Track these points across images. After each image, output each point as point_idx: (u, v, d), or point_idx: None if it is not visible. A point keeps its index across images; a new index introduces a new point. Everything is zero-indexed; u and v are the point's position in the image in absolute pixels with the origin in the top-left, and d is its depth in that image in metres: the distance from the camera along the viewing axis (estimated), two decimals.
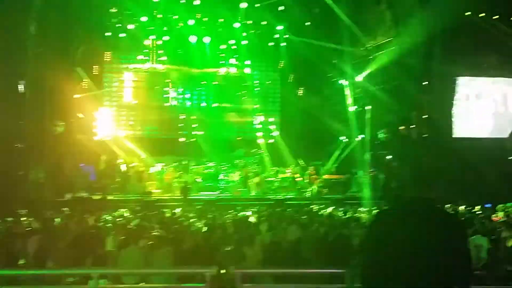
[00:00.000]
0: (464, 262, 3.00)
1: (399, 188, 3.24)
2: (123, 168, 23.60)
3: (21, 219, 14.06)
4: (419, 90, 23.35)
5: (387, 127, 23.78)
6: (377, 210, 14.93)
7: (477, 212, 15.86)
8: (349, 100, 25.73)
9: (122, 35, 24.93)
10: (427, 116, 23.36)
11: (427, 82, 23.26)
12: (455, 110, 23.23)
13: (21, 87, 20.28)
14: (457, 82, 23.08)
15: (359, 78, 24.94)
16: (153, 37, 25.74)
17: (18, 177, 19.79)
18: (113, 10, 23.78)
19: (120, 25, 24.63)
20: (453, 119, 23.12)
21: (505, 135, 23.75)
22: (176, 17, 24.95)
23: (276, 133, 28.18)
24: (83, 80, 24.49)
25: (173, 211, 16.76)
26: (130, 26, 24.62)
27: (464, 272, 2.98)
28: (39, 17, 20.25)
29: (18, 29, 19.65)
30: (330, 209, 17.15)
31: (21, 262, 9.81)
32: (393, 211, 3.31)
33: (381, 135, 23.90)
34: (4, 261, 8.88)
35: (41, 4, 19.86)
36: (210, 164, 25.23)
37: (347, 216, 15.64)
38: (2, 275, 5.62)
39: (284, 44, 26.69)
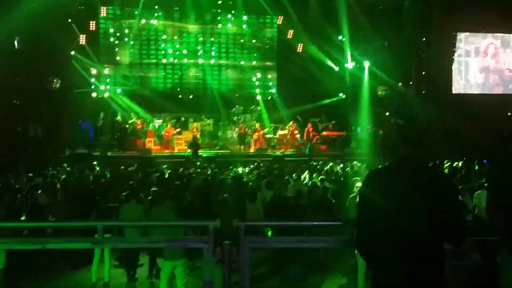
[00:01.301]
0: (454, 211, 3.08)
1: (395, 145, 3.27)
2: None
3: (22, 175, 14.12)
4: (418, 46, 23.16)
5: (386, 83, 23.64)
6: (372, 169, 15.00)
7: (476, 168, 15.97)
8: (348, 56, 25.48)
9: None
10: (426, 72, 23.24)
11: (425, 39, 23.04)
12: (455, 66, 23.09)
13: (16, 43, 20.01)
14: (457, 38, 22.83)
15: (356, 33, 24.61)
16: None
17: (17, 133, 19.77)
18: None
19: None
20: (452, 75, 23.01)
21: (499, 91, 23.76)
22: None
23: (274, 90, 28.06)
24: (79, 35, 24.07)
25: (175, 167, 16.80)
26: None
27: (456, 220, 3.07)
28: None
29: None
30: (329, 165, 17.23)
31: (22, 218, 9.90)
32: (384, 170, 3.38)
33: (380, 92, 23.79)
34: (5, 216, 8.93)
35: None
36: (209, 121, 25.17)
37: (346, 170, 15.76)
38: (5, 227, 5.65)
39: None
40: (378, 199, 3.07)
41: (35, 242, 4.36)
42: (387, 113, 24.06)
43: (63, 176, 14.22)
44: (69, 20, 23.06)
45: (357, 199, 4.51)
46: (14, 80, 20.21)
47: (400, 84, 23.55)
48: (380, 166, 3.62)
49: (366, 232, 3.16)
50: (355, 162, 18.17)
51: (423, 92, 23.39)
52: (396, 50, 23.16)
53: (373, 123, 24.41)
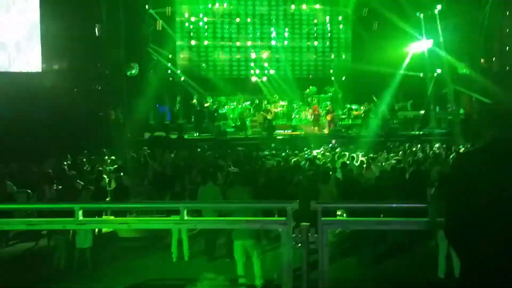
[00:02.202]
0: None
1: (482, 127, 3.03)
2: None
3: (105, 157, 14.73)
4: (501, 20, 21.97)
5: (467, 60, 22.61)
6: (462, 151, 14.47)
7: None
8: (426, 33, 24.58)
9: None
10: (510, 47, 22.05)
11: (508, 12, 21.80)
12: None
13: (97, 31, 20.79)
14: None
15: (437, 9, 23.65)
16: None
17: (99, 117, 20.61)
18: None
19: None
20: None
21: None
22: None
23: (348, 70, 27.55)
24: (156, 21, 24.70)
25: (250, 150, 16.97)
26: None
27: None
28: None
29: None
30: (406, 146, 16.80)
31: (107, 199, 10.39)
32: (475, 153, 3.13)
33: (461, 69, 22.79)
34: (93, 196, 9.38)
35: None
36: (282, 102, 25.15)
37: (425, 152, 15.30)
38: (92, 208, 5.93)
39: None
40: (473, 184, 2.88)
41: (121, 222, 4.55)
42: (469, 92, 23.05)
43: (143, 159, 14.73)
44: (146, 7, 23.66)
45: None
46: (95, 66, 21.04)
47: (482, 60, 22.45)
48: (469, 149, 3.37)
49: (459, 218, 2.93)
50: (437, 145, 17.53)
51: (507, 68, 22.19)
52: (478, 25, 22.08)
53: (453, 102, 23.49)
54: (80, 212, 4.24)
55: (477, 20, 22.35)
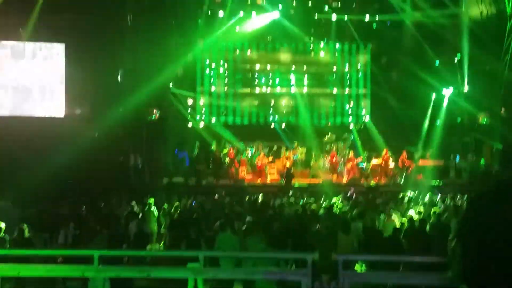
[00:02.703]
0: None
1: (501, 173, 2.99)
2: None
3: (123, 202, 14.77)
4: None
5: (487, 110, 22.53)
6: (472, 196, 14.24)
7: None
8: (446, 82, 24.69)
9: (213, 22, 25.39)
10: None
11: None
12: None
13: (119, 77, 21.23)
14: None
15: (456, 58, 23.83)
16: (244, 25, 25.92)
17: (119, 162, 20.78)
18: None
19: (211, 12, 25.06)
20: None
21: None
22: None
23: (367, 118, 27.62)
24: (177, 68, 25.20)
25: (267, 197, 16.89)
26: (221, 13, 24.95)
27: None
28: (137, 8, 21.02)
29: (115, 20, 20.53)
30: (426, 197, 16.57)
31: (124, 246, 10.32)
32: (489, 195, 3.05)
33: (481, 118, 22.68)
34: (108, 242, 9.34)
35: None
36: (301, 149, 25.15)
37: (445, 204, 15.07)
38: (110, 254, 5.89)
39: (375, 26, 25.96)
40: (487, 228, 2.82)
41: (140, 271, 4.51)
42: (490, 141, 22.87)
43: (163, 206, 14.72)
44: (168, 53, 24.18)
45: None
46: (117, 111, 21.39)
47: (503, 110, 22.33)
48: (481, 191, 3.26)
49: (475, 265, 2.90)
50: (458, 196, 17.26)
51: None
52: (498, 75, 22.11)
53: (474, 152, 23.28)
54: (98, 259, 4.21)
55: (497, 70, 22.38)
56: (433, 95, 25.33)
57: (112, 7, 19.52)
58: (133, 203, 14.32)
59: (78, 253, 4.76)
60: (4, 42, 19.56)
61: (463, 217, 3.09)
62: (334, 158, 23.72)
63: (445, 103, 24.97)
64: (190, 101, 26.02)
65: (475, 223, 2.85)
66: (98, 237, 9.01)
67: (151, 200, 14.91)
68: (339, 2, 25.35)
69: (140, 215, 12.72)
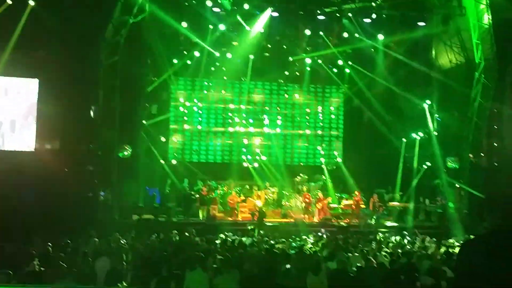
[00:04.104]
0: None
1: (471, 217, 3.10)
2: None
3: (91, 239, 14.49)
4: (489, 116, 22.63)
5: (456, 154, 23.04)
6: (465, 243, 14.40)
7: None
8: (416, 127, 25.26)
9: (188, 62, 25.64)
10: (498, 143, 22.52)
11: (496, 110, 22.49)
12: None
13: (92, 112, 21.15)
14: None
15: (426, 104, 24.45)
16: (218, 64, 26.21)
17: (88, 198, 20.49)
18: (181, 38, 24.41)
19: (186, 52, 25.31)
20: None
21: None
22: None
23: (339, 159, 27.95)
24: (151, 105, 25.25)
25: (238, 236, 16.81)
26: (196, 53, 25.23)
27: None
28: (112, 45, 21.15)
29: (90, 57, 20.57)
30: (396, 238, 16.70)
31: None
32: (480, 243, 3.11)
33: (450, 163, 23.16)
34: (75, 279, 9.14)
35: (112, 34, 20.73)
36: (273, 189, 25.20)
37: (415, 245, 15.20)
38: None
39: (348, 70, 26.54)
40: (478, 276, 2.87)
41: None
42: (457, 185, 23.30)
43: (129, 242, 14.50)
44: (142, 91, 24.20)
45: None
46: (88, 147, 21.23)
47: (471, 155, 22.87)
48: (472, 238, 3.31)
49: None
50: (427, 238, 17.46)
51: (495, 164, 22.58)
52: (467, 121, 22.72)
53: (443, 195, 23.68)
54: None
55: (465, 116, 22.99)
56: (404, 139, 25.82)
57: (87, 44, 19.57)
58: (102, 240, 14.06)
59: None
60: None
61: (456, 266, 3.13)
62: (307, 198, 23.79)
63: (416, 147, 25.46)
64: (163, 139, 25.99)
65: (470, 271, 2.89)
66: (65, 277, 8.81)
67: (120, 237, 14.71)
68: (313, 46, 25.81)
69: (108, 252, 12.49)
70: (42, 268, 10.22)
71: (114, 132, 21.69)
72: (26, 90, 19.82)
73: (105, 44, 21.18)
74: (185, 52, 25.33)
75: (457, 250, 13.30)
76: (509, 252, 2.86)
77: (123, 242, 14.28)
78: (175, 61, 25.24)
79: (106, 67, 21.29)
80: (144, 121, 24.52)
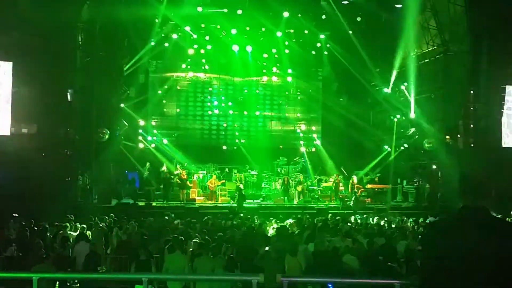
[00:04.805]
0: None
1: (446, 198, 3.15)
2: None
3: (70, 224, 14.39)
4: (465, 98, 22.88)
5: (432, 136, 23.31)
6: (431, 222, 14.66)
7: None
8: (393, 109, 25.43)
9: (166, 44, 25.38)
10: (474, 125, 22.81)
11: (472, 91, 22.74)
12: (504, 120, 22.53)
13: (69, 96, 20.86)
14: (506, 90, 22.39)
15: (403, 86, 24.57)
16: (196, 46, 26.01)
17: (66, 183, 20.31)
18: (157, 20, 24.12)
19: (164, 35, 25.05)
20: (502, 129, 22.43)
21: None
22: (219, 26, 25.31)
23: (318, 142, 28.09)
24: (129, 88, 24.97)
25: (218, 219, 16.83)
26: (174, 36, 25.00)
27: None
28: (87, 28, 20.82)
29: (66, 40, 20.25)
30: (374, 219, 16.89)
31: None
32: (447, 222, 3.17)
33: (426, 144, 23.44)
34: (55, 264, 9.10)
35: (88, 16, 20.40)
36: (253, 172, 25.26)
37: (392, 226, 15.40)
38: (51, 277, 5.74)
39: (326, 53, 26.56)
40: (445, 255, 2.91)
41: None
42: (434, 166, 23.62)
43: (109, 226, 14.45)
44: (119, 74, 23.89)
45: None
46: (66, 131, 20.97)
47: (447, 137, 23.15)
48: (439, 218, 3.36)
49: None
50: (404, 218, 17.73)
51: (472, 145, 22.92)
52: (443, 102, 22.96)
53: (420, 176, 23.99)
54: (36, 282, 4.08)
55: (441, 98, 23.23)
56: (382, 121, 26.00)
57: (63, 26, 19.21)
58: (83, 226, 13.98)
59: (16, 276, 4.60)
60: None
61: (422, 246, 3.17)
62: (286, 180, 23.89)
63: (394, 128, 25.67)
64: (141, 122, 25.77)
65: (435, 252, 2.93)
66: (44, 262, 8.75)
67: (99, 221, 14.63)
68: (292, 29, 25.77)
69: (88, 236, 12.45)
70: (20, 254, 10.15)
71: (91, 115, 21.48)
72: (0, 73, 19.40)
73: (81, 27, 20.87)
74: (162, 35, 25.06)
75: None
76: (474, 230, 2.91)
77: (102, 227, 14.24)
78: (152, 43, 24.90)
79: (82, 51, 21.00)
80: (122, 104, 24.20)
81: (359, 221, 17.15)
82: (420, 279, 3.04)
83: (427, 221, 16.21)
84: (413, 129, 24.12)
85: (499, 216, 14.84)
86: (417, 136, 23.79)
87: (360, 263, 10.38)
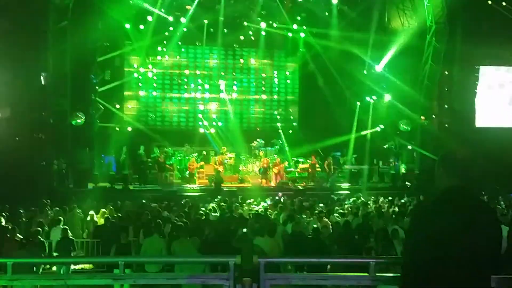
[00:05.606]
0: (497, 248, 3.02)
1: (423, 178, 3.20)
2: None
3: (46, 208, 14.27)
4: (439, 80, 23.13)
5: (407, 117, 23.57)
6: (419, 202, 14.85)
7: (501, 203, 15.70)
8: (369, 90, 25.58)
9: (141, 27, 25.01)
10: (448, 106, 23.13)
11: (447, 72, 23.01)
12: (478, 100, 22.88)
13: (42, 79, 20.51)
14: (480, 71, 22.70)
15: (379, 67, 24.67)
16: (172, 29, 25.69)
17: (41, 167, 20.06)
18: (132, 1, 23.73)
19: (138, 15, 24.68)
20: (476, 109, 22.79)
21: None
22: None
23: (295, 124, 28.18)
24: (104, 72, 24.59)
25: (196, 201, 16.84)
26: (149, 18, 24.65)
27: (497, 256, 2.98)
28: (60, 10, 20.42)
29: (40, 21, 19.85)
30: (351, 200, 17.08)
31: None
32: (432, 203, 3.19)
33: (402, 126, 23.69)
34: (30, 250, 9.01)
35: None
36: (230, 154, 25.24)
37: (368, 206, 15.59)
38: (26, 262, 5.71)
39: (303, 35, 26.49)
40: (429, 236, 2.95)
41: (57, 278, 4.39)
42: (409, 147, 23.93)
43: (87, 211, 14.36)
44: (94, 56, 23.50)
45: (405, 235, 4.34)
46: (40, 115, 20.63)
47: (422, 118, 23.43)
48: (424, 199, 3.41)
49: (414, 271, 3.01)
50: (380, 198, 17.97)
51: (446, 125, 23.24)
52: (418, 84, 23.19)
53: (395, 157, 24.28)
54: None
55: (417, 79, 23.46)
56: (358, 103, 26.13)
57: (34, 8, 18.81)
58: (56, 209, 13.87)
59: None
60: None
61: (409, 225, 3.22)
62: (264, 162, 23.95)
63: (369, 110, 25.84)
64: (117, 105, 25.48)
65: (422, 232, 2.97)
66: (20, 248, 8.67)
67: (76, 206, 14.52)
68: (268, 11, 25.64)
69: (64, 221, 12.34)
70: None
71: (66, 99, 21.22)
72: None
73: (53, 8, 20.44)
74: (137, 17, 24.69)
75: (409, 210, 13.77)
76: (459, 209, 2.97)
77: (79, 211, 14.15)
78: (127, 26, 24.51)
79: (55, 33, 20.58)
80: (97, 88, 23.86)
81: (336, 201, 17.33)
82: (407, 257, 3.10)
83: (402, 201, 16.47)
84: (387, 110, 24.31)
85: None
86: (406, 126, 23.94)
87: (337, 243, 10.51)
